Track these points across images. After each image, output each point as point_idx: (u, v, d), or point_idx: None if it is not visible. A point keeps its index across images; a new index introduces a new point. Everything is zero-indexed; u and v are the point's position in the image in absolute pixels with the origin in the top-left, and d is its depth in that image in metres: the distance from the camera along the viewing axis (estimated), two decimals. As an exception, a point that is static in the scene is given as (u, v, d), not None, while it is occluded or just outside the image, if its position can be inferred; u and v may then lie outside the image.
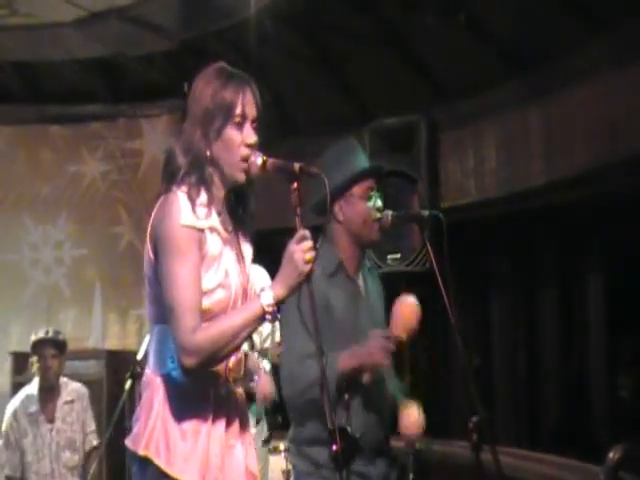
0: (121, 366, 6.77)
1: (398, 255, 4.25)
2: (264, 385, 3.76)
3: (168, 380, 2.57)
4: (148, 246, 2.57)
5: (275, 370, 3.93)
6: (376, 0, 6.06)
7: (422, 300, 3.36)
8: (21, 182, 8.01)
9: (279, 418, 3.73)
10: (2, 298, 7.85)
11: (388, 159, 5.00)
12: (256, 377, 3.79)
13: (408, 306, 3.23)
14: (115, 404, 5.92)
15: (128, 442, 2.60)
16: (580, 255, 5.90)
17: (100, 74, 7.48)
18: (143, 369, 4.98)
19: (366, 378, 3.15)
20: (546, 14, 5.57)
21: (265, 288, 2.48)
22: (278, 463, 5.62)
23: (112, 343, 7.90)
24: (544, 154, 5.93)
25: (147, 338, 5.00)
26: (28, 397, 5.71)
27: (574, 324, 6.04)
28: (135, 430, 2.58)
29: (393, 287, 3.60)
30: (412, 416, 3.25)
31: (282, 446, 5.63)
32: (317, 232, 2.75)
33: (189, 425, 2.54)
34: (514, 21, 5.73)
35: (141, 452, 2.53)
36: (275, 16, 6.05)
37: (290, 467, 5.63)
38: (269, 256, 3.12)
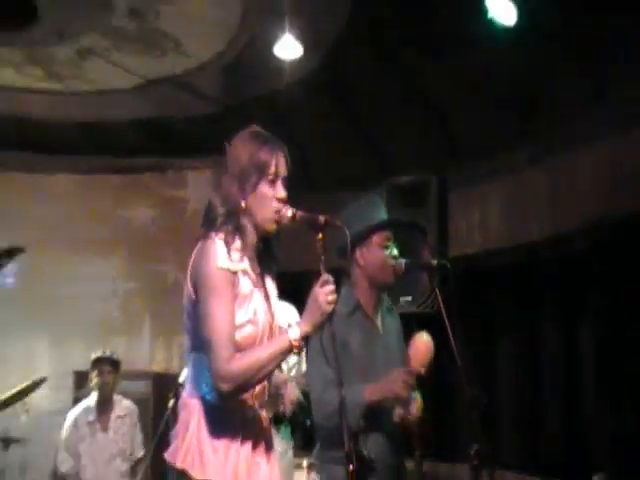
0: (165, 387, 6.76)
1: (409, 298, 4.27)
2: (290, 392, 3.77)
3: (202, 403, 2.58)
4: (188, 284, 2.59)
5: (304, 396, 3.95)
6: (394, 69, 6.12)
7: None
8: (83, 224, 7.99)
9: (306, 421, 3.73)
10: (64, 324, 7.81)
11: (403, 213, 5.02)
12: (282, 391, 3.79)
13: (424, 343, 3.23)
14: (159, 420, 5.94)
15: (167, 455, 2.61)
16: (574, 304, 5.86)
17: (153, 132, 7.50)
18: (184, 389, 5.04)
19: (398, 413, 3.18)
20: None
21: (292, 324, 2.51)
22: (301, 478, 5.63)
23: (158, 366, 7.88)
24: (539, 213, 5.99)
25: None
26: (87, 408, 5.77)
27: (570, 367, 5.97)
28: (173, 445, 2.61)
29: (405, 326, 3.58)
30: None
31: (305, 463, 5.64)
32: (339, 273, 2.77)
33: (220, 443, 2.55)
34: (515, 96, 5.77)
35: (179, 465, 2.55)
36: (304, 85, 6.14)
37: (314, 480, 5.67)
38: (295, 295, 3.17)
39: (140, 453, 5.84)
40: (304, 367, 4.12)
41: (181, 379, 4.88)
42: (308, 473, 5.67)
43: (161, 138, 7.64)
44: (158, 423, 5.44)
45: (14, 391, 5.80)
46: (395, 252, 3.37)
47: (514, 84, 5.66)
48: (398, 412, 3.19)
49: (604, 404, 5.48)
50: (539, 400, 6.08)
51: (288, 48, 5.44)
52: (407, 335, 3.46)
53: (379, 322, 3.43)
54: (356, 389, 2.96)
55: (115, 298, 8.12)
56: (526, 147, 6.02)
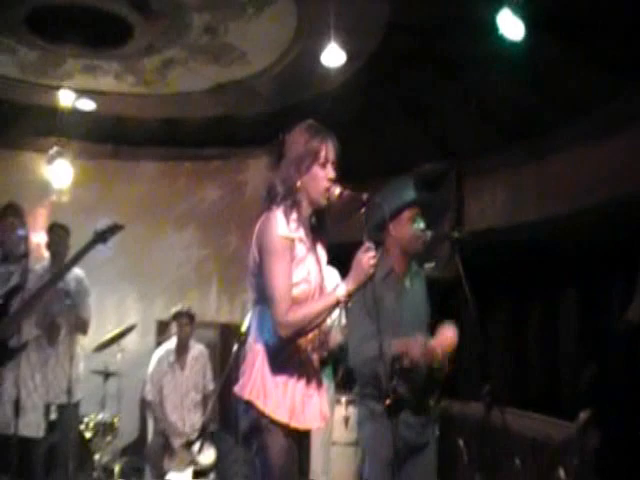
0: (230, 335, 6.88)
1: (432, 264, 4.27)
2: (334, 337, 3.79)
3: (265, 347, 2.63)
4: (253, 249, 2.63)
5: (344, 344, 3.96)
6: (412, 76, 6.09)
7: (448, 289, 3.38)
8: (163, 203, 8.07)
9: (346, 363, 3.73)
10: (149, 283, 7.94)
11: (427, 195, 5.04)
12: (328, 337, 3.80)
13: (449, 333, 3.21)
14: (224, 361, 6.02)
15: (236, 389, 2.66)
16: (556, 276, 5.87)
17: (220, 127, 7.51)
18: (246, 337, 5.10)
19: (406, 362, 3.16)
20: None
21: (339, 284, 2.56)
22: (340, 411, 5.68)
23: (224, 318, 7.88)
24: (535, 199, 5.98)
25: (248, 316, 5.12)
26: (168, 350, 5.87)
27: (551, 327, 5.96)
28: (241, 381, 2.65)
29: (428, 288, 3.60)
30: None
31: (343, 399, 5.69)
32: (376, 245, 2.78)
33: (280, 379, 2.59)
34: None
35: (246, 397, 2.60)
36: (346, 88, 6.13)
37: (349, 414, 5.72)
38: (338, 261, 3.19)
39: (210, 387, 5.92)
40: (344, 320, 4.19)
41: (243, 328, 4.95)
42: (346, 407, 5.74)
43: (227, 132, 7.62)
44: (224, 364, 5.52)
45: (111, 335, 5.92)
46: (422, 225, 3.38)
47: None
48: (406, 362, 3.16)
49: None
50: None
51: (333, 56, 5.40)
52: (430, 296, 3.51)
53: (408, 284, 3.44)
54: (387, 342, 2.95)
55: (189, 263, 8.15)
56: (525, 145, 6.00)
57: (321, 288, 2.72)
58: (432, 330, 3.32)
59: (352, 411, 5.66)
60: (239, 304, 7.92)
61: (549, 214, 5.85)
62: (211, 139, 7.84)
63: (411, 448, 3.18)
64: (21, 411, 3.64)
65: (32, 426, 3.88)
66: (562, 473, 4.15)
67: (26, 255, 3.82)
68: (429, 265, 3.70)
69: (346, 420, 5.73)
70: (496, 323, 6.50)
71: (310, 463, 5.08)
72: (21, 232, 3.91)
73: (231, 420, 5.73)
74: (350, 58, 5.44)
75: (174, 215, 8.12)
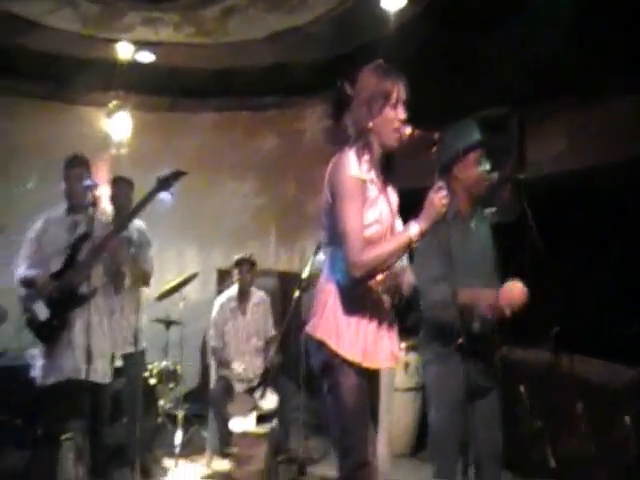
0: (288, 282, 6.94)
1: (493, 209, 4.21)
2: (407, 277, 3.78)
3: (337, 287, 2.65)
4: (325, 190, 2.65)
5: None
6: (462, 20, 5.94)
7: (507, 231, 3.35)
8: (221, 153, 8.08)
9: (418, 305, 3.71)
10: (209, 233, 8.02)
11: (492, 137, 4.99)
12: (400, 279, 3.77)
13: (518, 289, 3.14)
14: (283, 308, 6.09)
15: (307, 329, 2.71)
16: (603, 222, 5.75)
17: (278, 75, 7.46)
18: (307, 284, 5.13)
19: (475, 327, 3.14)
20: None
21: (412, 223, 2.54)
22: (400, 357, 5.69)
23: (282, 266, 7.98)
24: (594, 145, 5.85)
25: (309, 262, 5.15)
26: (230, 297, 5.95)
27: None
28: (313, 321, 2.70)
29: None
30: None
31: (403, 345, 5.71)
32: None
33: (352, 319, 2.62)
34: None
35: (318, 336, 2.64)
36: (405, 31, 5.99)
37: (409, 360, 5.74)
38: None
39: (271, 334, 5.97)
40: (405, 261, 4.16)
41: (304, 275, 4.98)
42: (406, 353, 5.77)
43: (283, 80, 7.55)
44: (284, 311, 5.57)
45: (173, 284, 6.03)
46: (487, 167, 3.34)
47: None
48: (475, 327, 3.14)
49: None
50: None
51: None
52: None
53: (474, 227, 3.41)
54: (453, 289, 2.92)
55: (248, 211, 8.22)
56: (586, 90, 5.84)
57: (392, 229, 2.73)
58: (501, 279, 3.27)
59: (412, 357, 5.69)
60: (298, 252, 8.01)
61: (608, 160, 5.72)
62: (268, 88, 7.79)
63: (475, 393, 3.18)
64: (91, 357, 3.73)
65: (100, 372, 3.99)
66: (627, 419, 4.10)
67: (93, 204, 3.88)
68: (490, 210, 3.65)
69: (406, 366, 5.76)
70: (557, 269, 6.42)
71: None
72: (87, 182, 3.97)
73: (292, 366, 5.84)
74: (409, 2, 5.31)
75: (232, 165, 8.16)
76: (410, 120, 2.66)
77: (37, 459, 4.24)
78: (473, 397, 3.16)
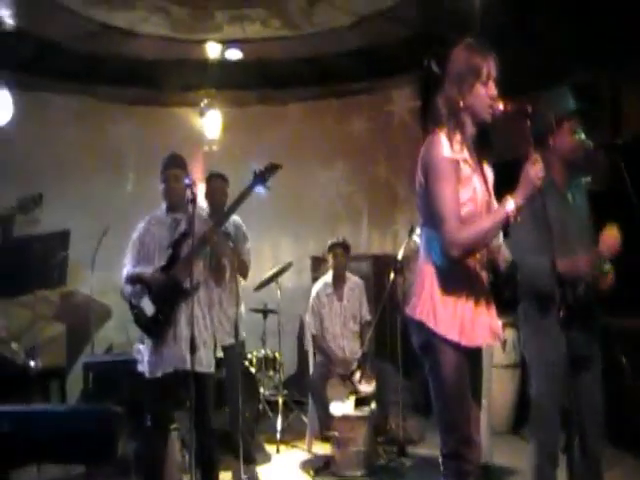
0: (382, 265, 6.96)
1: (589, 178, 4.12)
2: (503, 252, 3.75)
3: (434, 267, 2.67)
4: (419, 172, 2.66)
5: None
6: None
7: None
8: (312, 141, 8.15)
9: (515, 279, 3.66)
10: (303, 221, 8.14)
11: (586, 104, 4.86)
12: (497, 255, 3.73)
13: (614, 234, 3.13)
14: (378, 291, 6.10)
15: (407, 310, 2.74)
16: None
17: (365, 60, 7.46)
18: (401, 266, 5.13)
19: (580, 291, 3.12)
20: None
21: (507, 198, 2.53)
22: (500, 333, 5.62)
23: (375, 250, 7.98)
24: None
25: (404, 244, 5.16)
26: (326, 283, 6.02)
27: None
28: (412, 302, 2.73)
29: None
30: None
31: (502, 321, 5.62)
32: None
33: (449, 299, 2.64)
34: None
35: (417, 317, 2.67)
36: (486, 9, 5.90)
37: (506, 337, 5.68)
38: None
39: (367, 318, 5.98)
40: (500, 240, 4.11)
41: (399, 257, 4.99)
42: (503, 330, 5.70)
43: (371, 64, 7.56)
44: (378, 295, 5.59)
45: (270, 274, 6.17)
46: (583, 135, 3.29)
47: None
48: (579, 290, 3.12)
49: None
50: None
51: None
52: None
53: (570, 197, 3.36)
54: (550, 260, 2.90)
55: (340, 198, 8.27)
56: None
57: (488, 206, 2.72)
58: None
59: (510, 333, 5.64)
60: (390, 235, 8.00)
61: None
62: (356, 74, 7.80)
63: (577, 364, 3.10)
64: (195, 348, 3.90)
65: (204, 362, 4.16)
66: None
67: (192, 202, 4.02)
68: (586, 179, 3.59)
69: (504, 343, 5.71)
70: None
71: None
72: (186, 181, 4.12)
73: (389, 348, 5.89)
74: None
75: (323, 153, 8.22)
76: (502, 95, 2.65)
77: (146, 448, 4.46)
78: (575, 368, 3.08)
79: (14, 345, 5.37)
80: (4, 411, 1.71)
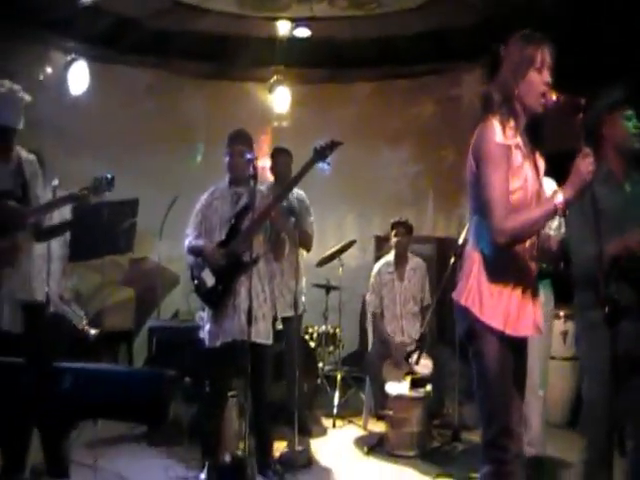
0: (446, 248, 6.87)
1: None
2: (553, 248, 3.68)
3: (482, 255, 2.65)
4: (470, 158, 2.65)
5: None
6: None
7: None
8: (378, 121, 8.07)
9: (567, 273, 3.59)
10: (367, 200, 8.10)
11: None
12: (547, 247, 3.66)
13: None
14: (440, 274, 6.05)
15: (454, 295, 2.74)
16: None
17: (432, 42, 7.34)
18: (462, 250, 5.08)
19: (625, 260, 3.01)
20: None
21: (558, 191, 2.50)
22: (558, 326, 5.54)
23: (440, 232, 7.90)
24: None
25: (465, 229, 5.09)
26: (387, 262, 6.02)
27: None
28: (458, 287, 2.72)
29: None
30: None
31: (561, 313, 5.53)
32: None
33: (495, 288, 2.61)
34: None
35: (462, 303, 2.66)
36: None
37: (567, 329, 5.57)
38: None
39: (428, 300, 5.96)
40: (563, 230, 4.02)
41: (460, 241, 4.94)
42: (564, 322, 5.60)
43: (439, 46, 7.44)
44: (440, 277, 5.55)
45: (333, 250, 6.19)
46: (635, 123, 3.20)
47: None
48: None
49: None
50: None
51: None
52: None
53: (628, 188, 3.26)
54: (604, 246, 2.83)
55: (405, 178, 8.19)
56: None
57: (539, 196, 2.69)
58: None
59: (571, 325, 5.52)
60: (455, 218, 7.89)
61: None
62: (423, 55, 7.68)
63: (633, 361, 3.04)
64: (253, 320, 3.96)
65: (262, 334, 4.22)
66: None
67: (254, 177, 4.07)
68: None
69: (564, 334, 5.61)
70: None
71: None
72: (249, 156, 4.17)
73: (448, 332, 5.83)
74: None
75: (389, 133, 8.15)
76: (557, 86, 2.61)
77: (204, 414, 4.57)
78: (631, 368, 3.04)
79: (77, 309, 5.49)
80: (66, 367, 1.78)
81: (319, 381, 6.31)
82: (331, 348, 6.44)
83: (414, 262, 6.04)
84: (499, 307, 2.60)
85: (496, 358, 2.61)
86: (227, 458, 4.33)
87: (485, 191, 2.55)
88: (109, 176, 3.90)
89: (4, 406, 1.96)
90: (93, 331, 5.51)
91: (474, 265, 2.66)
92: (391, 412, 5.11)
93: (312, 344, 6.24)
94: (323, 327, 6.45)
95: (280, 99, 7.65)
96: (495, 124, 2.59)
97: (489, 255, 2.63)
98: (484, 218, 2.58)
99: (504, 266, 2.63)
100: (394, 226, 5.94)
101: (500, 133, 2.57)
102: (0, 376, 1.99)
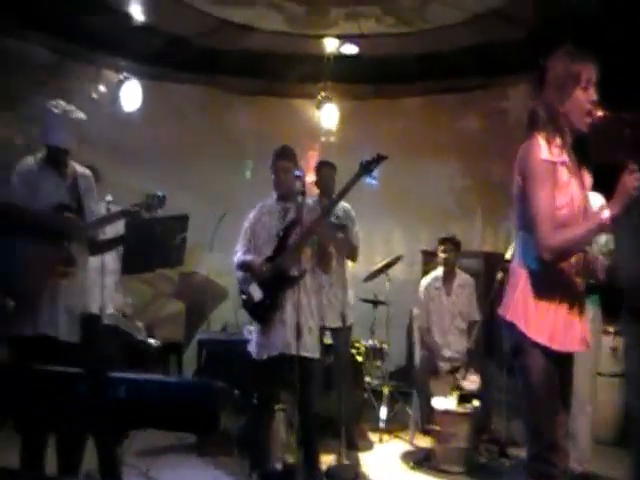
0: (494, 263, 6.81)
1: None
2: (601, 264, 3.65)
3: (528, 270, 2.66)
4: (516, 175, 2.67)
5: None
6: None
7: None
8: (425, 135, 8.09)
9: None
10: (414, 214, 8.08)
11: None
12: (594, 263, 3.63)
13: None
14: (488, 289, 6.01)
15: (500, 310, 2.75)
16: None
17: (479, 57, 7.35)
18: (509, 265, 5.04)
19: None
20: None
21: (604, 207, 2.50)
22: (607, 342, 5.46)
23: (488, 247, 7.85)
24: None
25: (513, 243, 5.06)
26: (435, 277, 6.01)
27: None
28: (505, 302, 2.74)
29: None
30: None
31: (610, 329, 5.45)
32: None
33: (541, 303, 2.62)
34: None
35: (508, 318, 2.67)
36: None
37: (616, 345, 5.48)
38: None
39: (475, 317, 5.92)
40: (611, 245, 3.99)
41: (507, 256, 4.92)
42: (614, 338, 5.51)
43: (485, 61, 7.45)
44: (488, 292, 5.53)
45: (380, 265, 6.21)
46: None
47: None
48: None
49: None
50: None
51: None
52: None
53: None
54: None
55: (452, 193, 8.18)
56: None
57: (585, 212, 2.68)
58: None
59: (620, 341, 5.44)
60: (503, 233, 7.83)
61: None
62: (470, 70, 7.71)
63: None
64: (300, 333, 4.01)
65: (309, 347, 4.25)
66: None
67: (302, 193, 4.13)
68: None
69: (613, 350, 5.53)
70: None
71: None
72: (297, 173, 4.24)
73: (496, 347, 5.79)
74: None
75: (436, 147, 8.14)
76: (603, 102, 2.60)
77: (252, 425, 4.62)
78: None
79: (139, 323, 5.69)
80: (121, 377, 1.84)
81: (366, 395, 6.32)
82: (378, 363, 6.45)
83: (462, 278, 6.02)
84: (545, 322, 2.60)
85: (542, 373, 2.60)
86: (278, 466, 4.38)
87: (531, 207, 2.56)
88: (160, 194, 3.99)
89: (62, 413, 2.05)
90: (153, 341, 5.69)
91: (520, 280, 2.67)
92: (438, 427, 5.09)
93: (359, 358, 6.25)
94: (370, 342, 6.46)
95: (328, 115, 7.72)
96: (540, 141, 2.60)
97: (535, 271, 2.63)
98: (530, 234, 2.59)
99: (550, 282, 2.63)
100: (442, 242, 5.94)
101: (546, 150, 2.58)
102: (58, 385, 2.07)
